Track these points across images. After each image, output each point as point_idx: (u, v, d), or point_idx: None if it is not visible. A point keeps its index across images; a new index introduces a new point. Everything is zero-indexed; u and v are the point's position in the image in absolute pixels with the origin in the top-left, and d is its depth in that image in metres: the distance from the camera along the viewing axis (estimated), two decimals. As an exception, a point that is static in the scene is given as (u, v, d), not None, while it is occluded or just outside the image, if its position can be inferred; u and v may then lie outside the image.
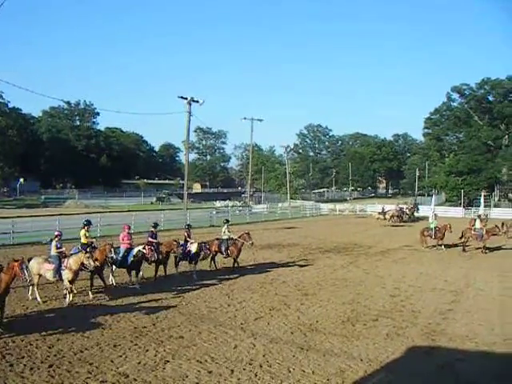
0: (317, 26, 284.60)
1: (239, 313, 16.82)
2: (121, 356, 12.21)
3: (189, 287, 20.54)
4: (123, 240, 20.55)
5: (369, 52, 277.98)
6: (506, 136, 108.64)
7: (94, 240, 20.24)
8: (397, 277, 24.02)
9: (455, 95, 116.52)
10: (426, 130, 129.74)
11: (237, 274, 23.87)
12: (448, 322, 16.16)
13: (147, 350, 12.67)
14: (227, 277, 23.24)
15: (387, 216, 56.06)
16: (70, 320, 15.08)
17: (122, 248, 20.17)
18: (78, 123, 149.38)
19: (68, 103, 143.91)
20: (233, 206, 78.52)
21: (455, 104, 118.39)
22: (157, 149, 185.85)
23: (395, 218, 56.29)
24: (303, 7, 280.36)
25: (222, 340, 13.70)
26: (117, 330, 14.33)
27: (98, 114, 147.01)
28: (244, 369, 11.61)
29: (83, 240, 19.47)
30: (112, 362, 11.83)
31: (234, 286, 21.07)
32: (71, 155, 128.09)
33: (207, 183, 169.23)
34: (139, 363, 11.77)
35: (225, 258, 24.89)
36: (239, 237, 24.81)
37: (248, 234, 24.97)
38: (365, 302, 18.67)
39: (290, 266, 26.81)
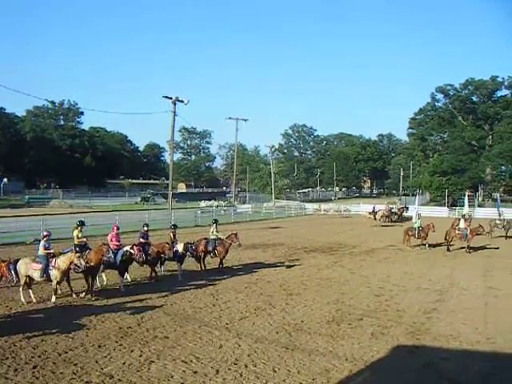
0: (303, 26, 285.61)
1: (224, 313, 16.81)
2: (106, 356, 12.17)
3: (174, 287, 20.47)
4: (111, 240, 20.29)
5: (354, 53, 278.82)
6: (490, 136, 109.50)
7: (85, 239, 19.96)
8: (381, 276, 24.08)
9: (439, 95, 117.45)
10: (410, 130, 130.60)
11: (222, 273, 23.86)
12: (432, 321, 16.23)
13: (132, 351, 12.63)
14: (212, 277, 23.19)
15: (377, 216, 55.99)
16: (54, 321, 15.01)
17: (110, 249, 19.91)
18: (62, 123, 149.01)
19: (52, 103, 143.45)
20: (217, 206, 78.41)
21: (439, 104, 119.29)
22: (141, 148, 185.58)
23: (385, 217, 56.39)
24: (290, 7, 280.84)
25: (207, 340, 13.68)
26: (101, 331, 14.28)
27: (82, 113, 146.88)
28: (229, 369, 11.60)
29: (76, 241, 19.33)
30: (97, 362, 11.78)
31: (218, 286, 21.05)
32: (55, 155, 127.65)
33: (192, 183, 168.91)
34: (124, 364, 11.73)
35: (212, 257, 24.83)
36: (227, 237, 24.78)
37: (235, 234, 24.86)
38: (350, 302, 18.71)
39: (275, 265, 26.82)
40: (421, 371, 11.71)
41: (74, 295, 18.19)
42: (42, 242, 17.66)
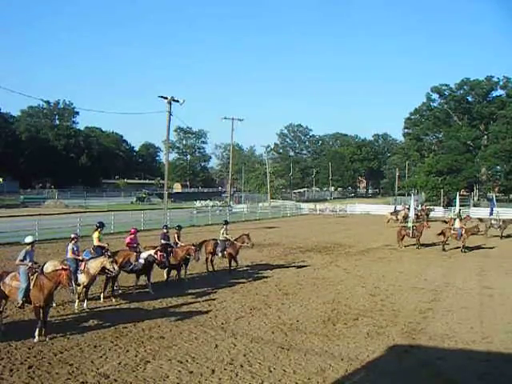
0: (298, 27, 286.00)
1: (220, 312, 16.82)
2: (101, 357, 12.17)
3: (169, 287, 20.47)
4: (130, 243, 20.09)
5: (349, 53, 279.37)
6: (485, 136, 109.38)
7: (107, 244, 19.20)
8: (377, 276, 24.14)
9: (435, 95, 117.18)
10: (405, 130, 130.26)
11: (217, 273, 23.86)
12: (428, 320, 16.27)
13: (128, 351, 12.63)
14: (207, 277, 23.24)
15: (399, 216, 55.05)
16: (49, 321, 14.95)
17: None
18: (57, 123, 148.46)
19: (47, 102, 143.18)
20: (213, 206, 78.28)
21: (435, 104, 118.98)
22: (137, 148, 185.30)
23: (407, 218, 55.79)
24: (286, 8, 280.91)
25: (202, 340, 13.69)
26: (97, 331, 14.27)
27: (77, 113, 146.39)
28: (225, 369, 11.61)
29: (96, 242, 18.71)
30: (92, 362, 11.78)
31: (214, 286, 21.00)
32: (50, 155, 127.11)
33: (187, 183, 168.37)
34: (120, 364, 11.73)
35: (221, 258, 24.58)
36: (238, 238, 24.71)
37: (247, 235, 24.77)
38: (345, 302, 18.74)
39: (270, 265, 26.82)
40: (416, 371, 11.74)
41: (114, 299, 18.12)
42: (70, 246, 17.14)
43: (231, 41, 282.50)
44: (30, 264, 13.93)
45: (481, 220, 42.38)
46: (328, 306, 17.96)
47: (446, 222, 37.45)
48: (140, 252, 19.56)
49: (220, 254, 24.25)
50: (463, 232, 32.87)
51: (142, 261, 19.26)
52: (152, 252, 19.55)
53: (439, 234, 33.97)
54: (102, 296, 18.14)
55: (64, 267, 14.30)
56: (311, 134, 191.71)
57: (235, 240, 24.58)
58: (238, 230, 32.31)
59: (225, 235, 24.47)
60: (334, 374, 11.39)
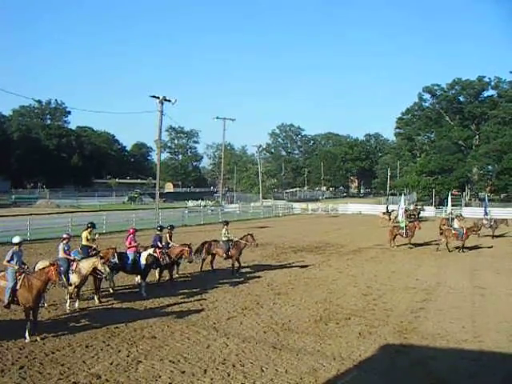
0: (290, 27, 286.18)
1: (212, 312, 16.78)
2: (93, 357, 12.12)
3: (161, 287, 20.43)
4: (130, 244, 19.84)
5: (341, 53, 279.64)
6: (477, 136, 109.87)
7: (94, 246, 18.75)
8: (369, 276, 24.14)
9: (427, 95, 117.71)
10: (397, 130, 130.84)
11: (209, 273, 23.79)
12: (420, 320, 16.28)
13: (119, 351, 12.59)
14: (199, 276, 23.18)
15: (392, 216, 54.70)
16: (41, 321, 14.88)
17: (130, 252, 19.44)
18: (49, 122, 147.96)
19: (39, 102, 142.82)
20: (205, 206, 78.20)
21: (427, 104, 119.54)
22: (129, 148, 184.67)
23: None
24: (278, 9, 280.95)
25: (194, 340, 13.66)
26: (89, 331, 14.21)
27: (69, 112, 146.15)
28: (217, 368, 11.59)
29: (84, 242, 18.46)
30: (84, 362, 11.74)
31: (206, 286, 20.96)
32: (42, 154, 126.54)
33: (179, 183, 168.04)
34: (111, 364, 11.70)
35: (225, 259, 24.40)
36: (242, 238, 24.58)
37: (251, 235, 24.59)
38: (337, 301, 18.73)
39: (262, 265, 26.85)
40: (408, 370, 11.75)
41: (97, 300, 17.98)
42: (61, 246, 17.06)
43: (224, 41, 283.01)
44: (16, 267, 13.84)
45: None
46: (320, 306, 17.95)
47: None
48: (140, 252, 19.59)
49: (224, 256, 24.04)
50: (464, 232, 32.84)
51: (143, 261, 19.28)
52: (151, 251, 19.49)
53: (441, 234, 33.92)
54: (96, 298, 18.01)
55: (51, 263, 14.23)
56: (303, 134, 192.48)
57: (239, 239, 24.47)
58: (230, 229, 32.20)
59: (227, 235, 24.31)
60: (326, 374, 11.38)
